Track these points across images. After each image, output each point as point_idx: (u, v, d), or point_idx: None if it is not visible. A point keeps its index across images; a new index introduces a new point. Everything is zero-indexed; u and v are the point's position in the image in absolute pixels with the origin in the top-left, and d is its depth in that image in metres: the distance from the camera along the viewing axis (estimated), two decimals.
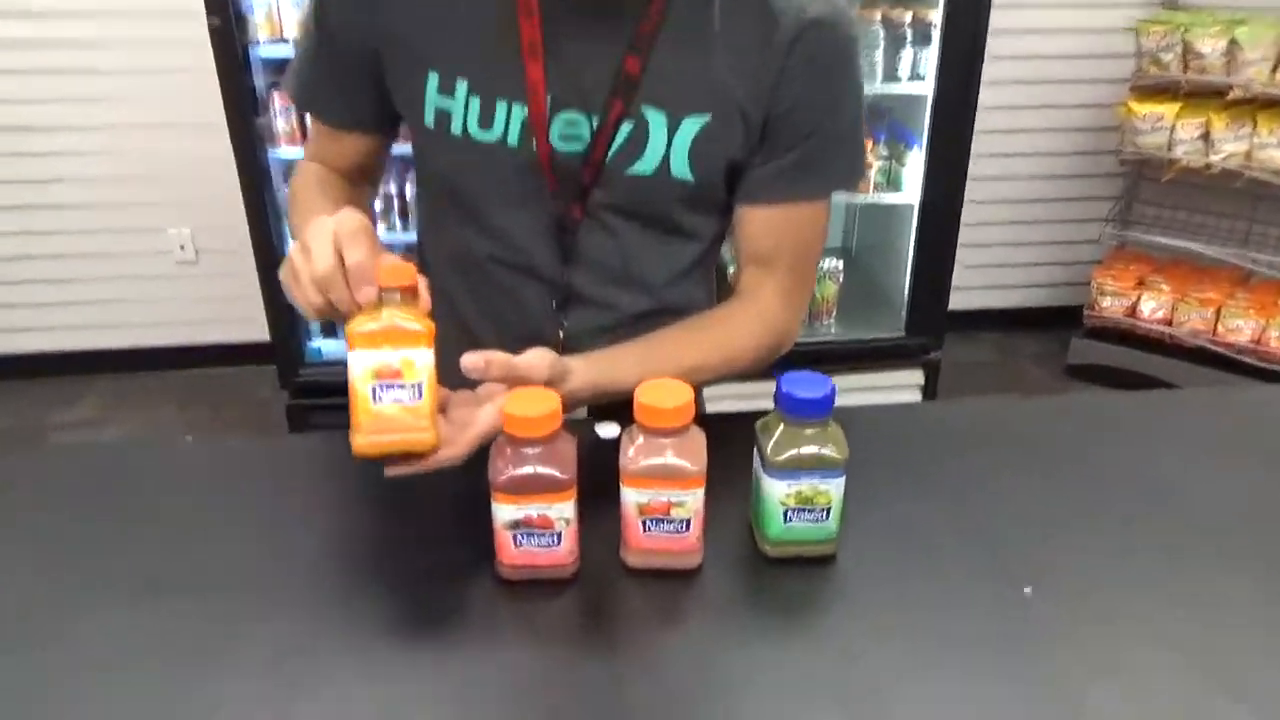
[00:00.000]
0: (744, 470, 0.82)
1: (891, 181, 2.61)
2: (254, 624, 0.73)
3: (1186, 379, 2.99)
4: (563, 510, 0.74)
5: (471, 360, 0.78)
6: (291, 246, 0.78)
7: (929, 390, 2.80)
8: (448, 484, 0.78)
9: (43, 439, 2.84)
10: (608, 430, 0.99)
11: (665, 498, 0.75)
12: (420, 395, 0.73)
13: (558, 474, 0.73)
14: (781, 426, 0.77)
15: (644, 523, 0.76)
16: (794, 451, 0.75)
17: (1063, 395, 3.00)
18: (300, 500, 0.89)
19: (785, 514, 0.77)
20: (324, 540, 0.84)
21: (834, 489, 0.77)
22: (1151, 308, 3.10)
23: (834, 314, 2.80)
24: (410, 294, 0.75)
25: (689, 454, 0.74)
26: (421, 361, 0.74)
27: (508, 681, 0.68)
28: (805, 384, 0.76)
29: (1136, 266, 3.19)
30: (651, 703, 0.66)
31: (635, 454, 0.74)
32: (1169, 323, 3.08)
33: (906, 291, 2.72)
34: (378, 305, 0.73)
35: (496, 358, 0.79)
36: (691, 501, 0.75)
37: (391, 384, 0.72)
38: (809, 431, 0.76)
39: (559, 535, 0.75)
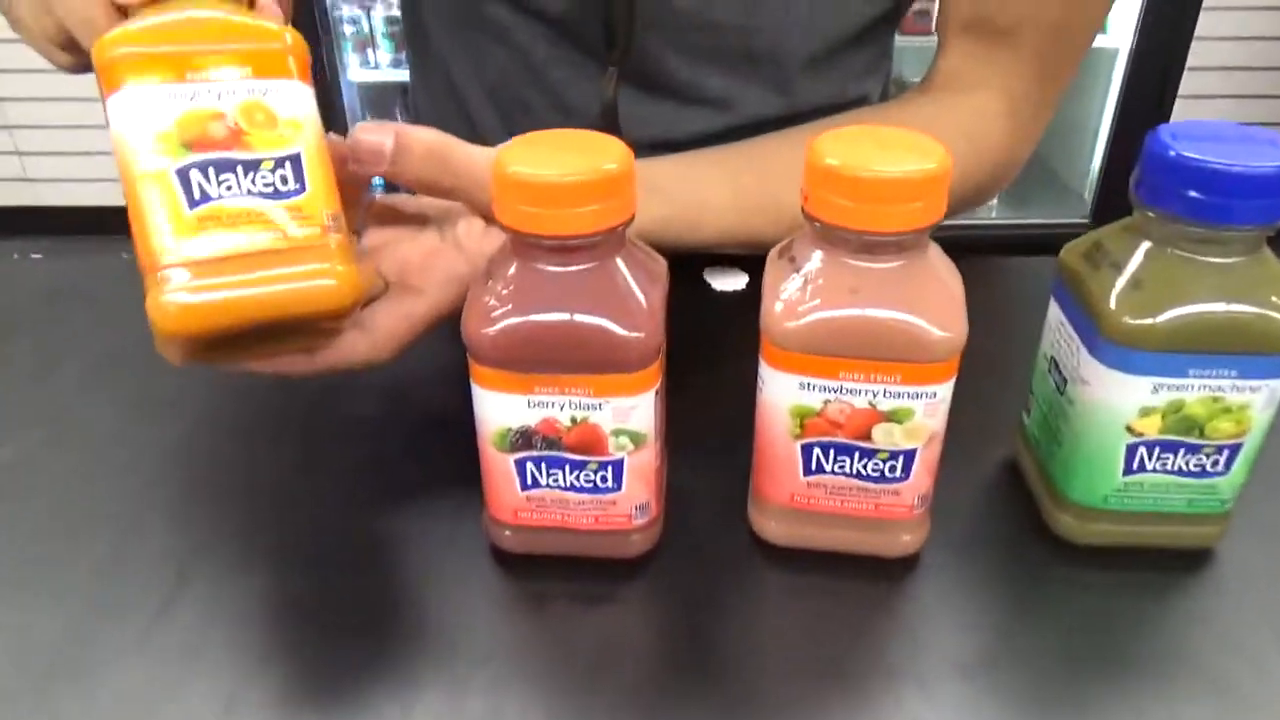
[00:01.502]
0: (992, 357, 0.39)
1: None
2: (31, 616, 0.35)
3: None
4: (628, 413, 0.33)
5: (367, 137, 0.36)
6: None
7: None
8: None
9: None
10: (725, 278, 0.56)
11: (866, 398, 0.32)
12: (301, 182, 0.32)
13: (619, 329, 0.31)
14: (1145, 248, 0.33)
15: (809, 452, 0.34)
16: (1187, 308, 0.32)
17: None
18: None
19: (1132, 452, 0.34)
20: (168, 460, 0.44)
21: (1259, 402, 0.33)
22: None
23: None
24: None
25: (930, 299, 0.32)
26: (291, 108, 0.32)
27: None
28: (1222, 142, 0.31)
29: None
30: None
31: (802, 293, 0.32)
32: None
33: (1096, 166, 2.18)
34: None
35: (417, 135, 0.37)
36: (923, 411, 0.32)
37: (227, 159, 0.31)
38: (1222, 262, 0.32)
39: (617, 468, 0.34)
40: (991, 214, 2.28)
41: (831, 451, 0.34)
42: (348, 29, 2.06)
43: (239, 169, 0.31)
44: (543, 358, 0.32)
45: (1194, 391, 0.32)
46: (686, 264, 0.57)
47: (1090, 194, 2.22)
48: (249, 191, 0.31)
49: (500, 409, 0.33)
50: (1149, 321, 0.32)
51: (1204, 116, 2.12)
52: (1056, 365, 0.37)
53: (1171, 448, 0.34)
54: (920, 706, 0.31)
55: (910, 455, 0.33)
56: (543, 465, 0.34)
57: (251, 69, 0.31)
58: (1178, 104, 2.12)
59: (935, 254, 0.33)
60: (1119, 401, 0.33)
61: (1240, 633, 0.34)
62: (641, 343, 0.32)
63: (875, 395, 0.32)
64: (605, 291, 0.32)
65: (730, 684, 0.32)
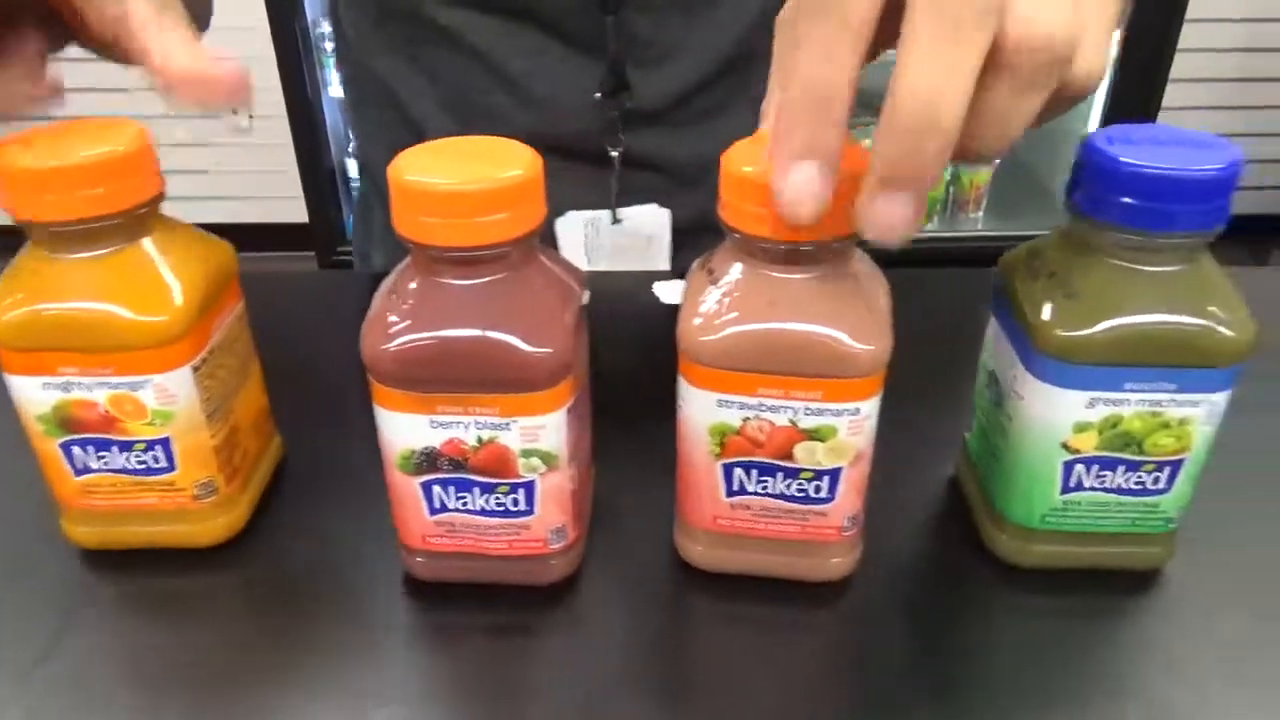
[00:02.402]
0: (937, 371, 0.38)
1: None
2: None
3: None
4: (537, 433, 0.31)
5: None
6: None
7: None
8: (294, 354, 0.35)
9: None
10: (674, 291, 0.55)
11: (787, 415, 0.31)
12: (170, 462, 0.34)
13: (525, 345, 0.30)
14: (1082, 257, 0.31)
15: (730, 472, 0.32)
16: (1123, 319, 0.30)
17: None
18: None
19: (1069, 470, 0.33)
20: None
21: (1201, 416, 0.31)
22: None
23: (983, 205, 2.27)
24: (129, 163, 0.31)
25: (851, 311, 0.30)
26: (159, 399, 0.33)
27: None
28: (1158, 146, 0.30)
29: None
30: None
31: (719, 306, 0.30)
32: None
33: None
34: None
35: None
36: (846, 429, 0.31)
37: (103, 439, 0.34)
38: (1160, 271, 0.30)
39: (529, 490, 0.32)
40: (978, 225, 2.27)
41: (753, 471, 0.32)
42: (329, 46, 2.04)
43: (114, 448, 0.34)
44: (446, 376, 0.30)
45: (1131, 406, 0.31)
46: (635, 276, 0.56)
47: None
48: (124, 468, 0.34)
49: (403, 430, 0.31)
50: (1084, 333, 0.30)
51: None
52: (995, 380, 0.35)
53: (1110, 465, 0.32)
54: None
55: (835, 475, 0.32)
56: (450, 488, 0.32)
57: (115, 369, 0.32)
58: (1161, 115, 2.11)
59: (860, 264, 0.31)
60: (1054, 417, 0.32)
61: (1184, 659, 0.32)
62: (550, 359, 0.30)
63: (795, 413, 0.30)
64: (511, 305, 0.30)
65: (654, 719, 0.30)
